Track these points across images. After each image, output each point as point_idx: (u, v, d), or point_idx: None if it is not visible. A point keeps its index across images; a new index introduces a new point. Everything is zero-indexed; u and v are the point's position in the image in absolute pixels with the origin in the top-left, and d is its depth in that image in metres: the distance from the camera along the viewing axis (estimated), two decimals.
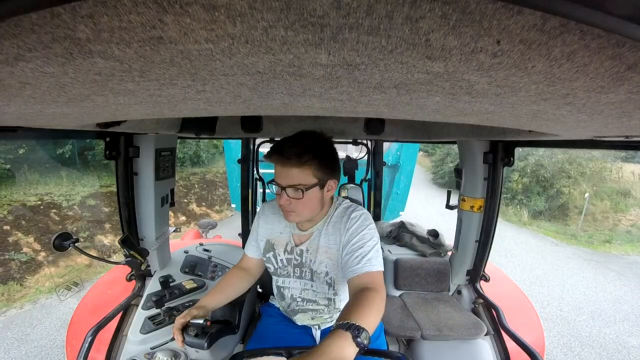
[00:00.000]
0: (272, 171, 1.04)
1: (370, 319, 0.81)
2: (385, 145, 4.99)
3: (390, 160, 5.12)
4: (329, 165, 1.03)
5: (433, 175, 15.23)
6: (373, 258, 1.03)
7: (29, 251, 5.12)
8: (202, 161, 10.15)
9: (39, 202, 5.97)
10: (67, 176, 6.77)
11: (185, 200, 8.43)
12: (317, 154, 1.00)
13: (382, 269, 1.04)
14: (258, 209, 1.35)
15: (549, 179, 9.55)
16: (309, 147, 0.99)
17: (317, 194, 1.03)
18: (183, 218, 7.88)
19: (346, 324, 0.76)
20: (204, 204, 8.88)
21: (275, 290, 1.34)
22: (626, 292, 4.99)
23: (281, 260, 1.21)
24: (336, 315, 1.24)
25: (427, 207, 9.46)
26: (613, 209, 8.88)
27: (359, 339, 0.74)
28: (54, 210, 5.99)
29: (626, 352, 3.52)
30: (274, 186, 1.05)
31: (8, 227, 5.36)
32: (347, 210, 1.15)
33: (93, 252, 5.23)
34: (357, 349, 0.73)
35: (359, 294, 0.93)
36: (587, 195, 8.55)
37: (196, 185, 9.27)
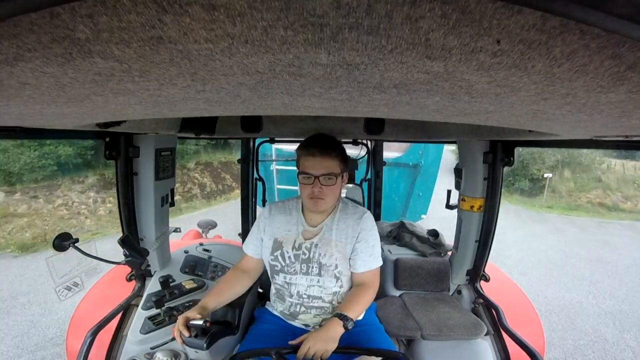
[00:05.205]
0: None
1: (357, 310, 1.18)
2: (407, 143, 4.84)
3: (411, 160, 4.92)
4: (346, 159, 1.23)
5: None
6: (378, 256, 1.28)
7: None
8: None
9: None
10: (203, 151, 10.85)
11: (222, 175, 11.16)
12: (341, 148, 1.21)
13: (381, 263, 1.30)
14: (259, 210, 1.39)
15: (525, 165, 11.71)
16: (335, 142, 1.20)
17: (340, 183, 1.22)
18: (220, 187, 10.71)
19: (339, 314, 1.11)
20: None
21: (275, 293, 1.34)
22: (524, 229, 7.72)
23: (289, 257, 1.25)
24: None
25: None
26: (578, 189, 11.10)
27: (346, 324, 1.10)
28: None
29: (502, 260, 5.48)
30: (300, 178, 1.20)
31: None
32: (356, 208, 1.31)
33: None
34: (343, 330, 1.09)
35: (357, 289, 1.25)
36: (546, 175, 10.75)
37: (232, 165, 11.46)
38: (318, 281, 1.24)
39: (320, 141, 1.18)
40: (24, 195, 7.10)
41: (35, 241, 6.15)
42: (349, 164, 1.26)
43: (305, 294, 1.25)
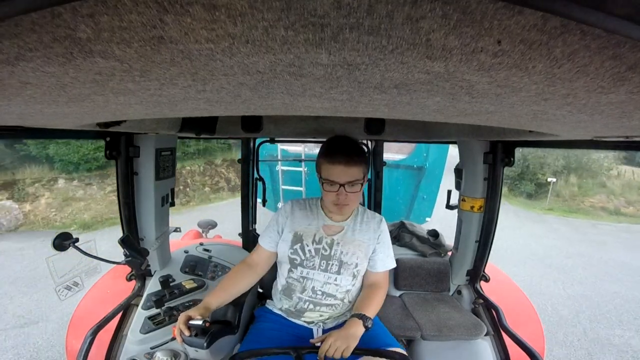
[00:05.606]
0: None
1: (373, 309, 1.21)
2: (411, 145, 4.81)
3: (415, 162, 4.88)
4: (367, 161, 1.25)
5: None
6: (393, 257, 1.36)
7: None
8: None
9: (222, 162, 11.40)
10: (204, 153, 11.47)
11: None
12: (363, 152, 1.20)
13: (395, 265, 1.37)
14: (280, 205, 1.41)
15: (532, 170, 12.13)
16: (357, 148, 1.19)
17: (363, 185, 1.23)
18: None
19: (359, 314, 1.15)
20: None
21: (282, 290, 1.33)
22: (520, 228, 8.00)
23: (309, 250, 1.26)
24: (342, 315, 1.34)
25: None
26: (582, 194, 11.52)
27: (365, 323, 1.13)
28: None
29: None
30: (323, 185, 1.19)
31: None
32: (373, 214, 1.36)
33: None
34: (364, 329, 1.12)
35: (371, 289, 1.30)
36: (549, 179, 11.07)
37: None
38: (335, 279, 1.26)
39: (343, 148, 1.16)
40: (80, 183, 8.20)
41: (93, 221, 7.38)
42: (369, 164, 1.28)
43: (320, 290, 1.26)
